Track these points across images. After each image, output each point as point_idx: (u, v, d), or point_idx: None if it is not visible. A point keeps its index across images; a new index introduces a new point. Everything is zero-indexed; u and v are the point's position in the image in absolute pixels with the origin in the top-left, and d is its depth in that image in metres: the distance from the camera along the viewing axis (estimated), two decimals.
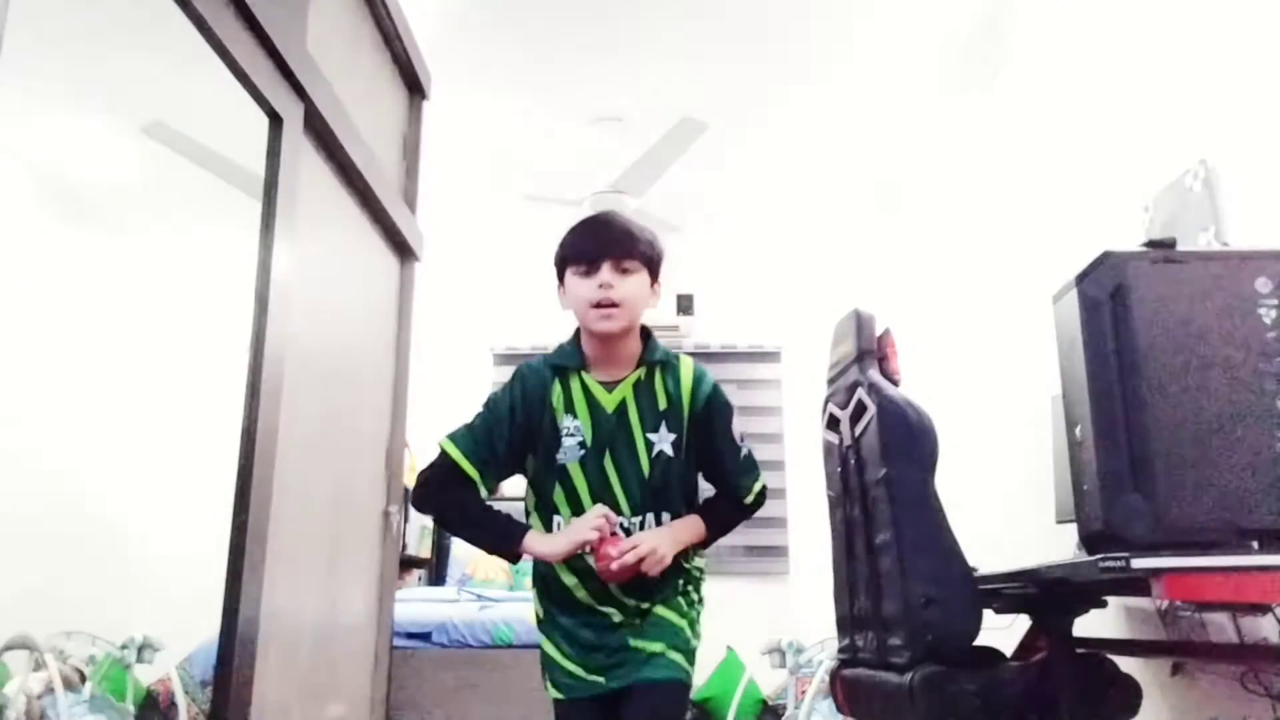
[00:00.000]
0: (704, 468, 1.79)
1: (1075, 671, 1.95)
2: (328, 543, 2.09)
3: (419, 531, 5.44)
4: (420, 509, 1.76)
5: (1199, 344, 1.56)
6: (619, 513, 1.66)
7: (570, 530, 1.65)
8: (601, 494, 1.68)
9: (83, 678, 3.40)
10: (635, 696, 1.65)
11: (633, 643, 1.68)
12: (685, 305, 5.85)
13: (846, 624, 2.28)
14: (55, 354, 2.67)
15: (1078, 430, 1.64)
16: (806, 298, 6.05)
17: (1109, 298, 1.59)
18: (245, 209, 1.81)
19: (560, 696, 1.73)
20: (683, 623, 1.73)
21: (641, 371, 1.73)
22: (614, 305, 1.65)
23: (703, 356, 6.00)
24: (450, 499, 1.72)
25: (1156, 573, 1.41)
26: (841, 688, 2.31)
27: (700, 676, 5.24)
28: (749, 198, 5.10)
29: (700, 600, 1.80)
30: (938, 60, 3.78)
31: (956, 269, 4.15)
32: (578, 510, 1.68)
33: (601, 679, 1.68)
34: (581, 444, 1.69)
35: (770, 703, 5.05)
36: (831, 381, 2.36)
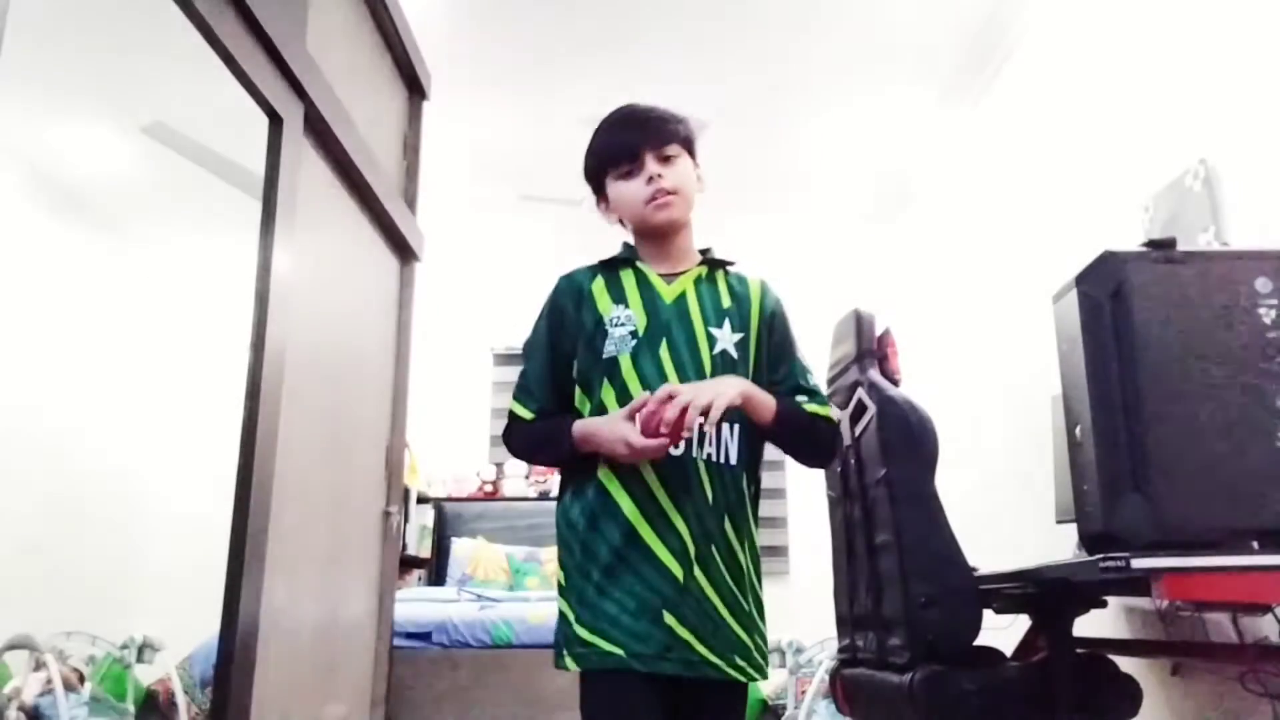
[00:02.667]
0: (770, 378, 1.58)
1: (1075, 671, 1.95)
2: (328, 543, 2.09)
3: (419, 531, 5.44)
4: (517, 457, 1.62)
5: (1199, 344, 1.56)
6: None
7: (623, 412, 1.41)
8: (655, 387, 1.42)
9: (82, 678, 3.40)
10: (714, 699, 1.43)
11: (729, 620, 1.45)
12: None
13: (846, 624, 2.28)
14: (55, 354, 2.67)
15: (1078, 430, 1.63)
16: (806, 297, 6.05)
17: (1109, 298, 1.59)
18: (245, 209, 1.81)
19: (600, 664, 1.39)
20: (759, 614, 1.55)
21: (704, 269, 1.62)
22: (671, 193, 1.57)
23: None
24: (524, 444, 1.57)
25: (1156, 573, 1.41)
26: (841, 688, 2.31)
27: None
28: (749, 198, 5.10)
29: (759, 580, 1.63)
30: (938, 59, 3.78)
31: (956, 269, 4.15)
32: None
33: (693, 638, 1.40)
34: (633, 333, 1.51)
35: (770, 703, 5.04)
36: (831, 381, 2.36)
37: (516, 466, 5.66)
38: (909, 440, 2.04)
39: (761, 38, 3.65)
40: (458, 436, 5.84)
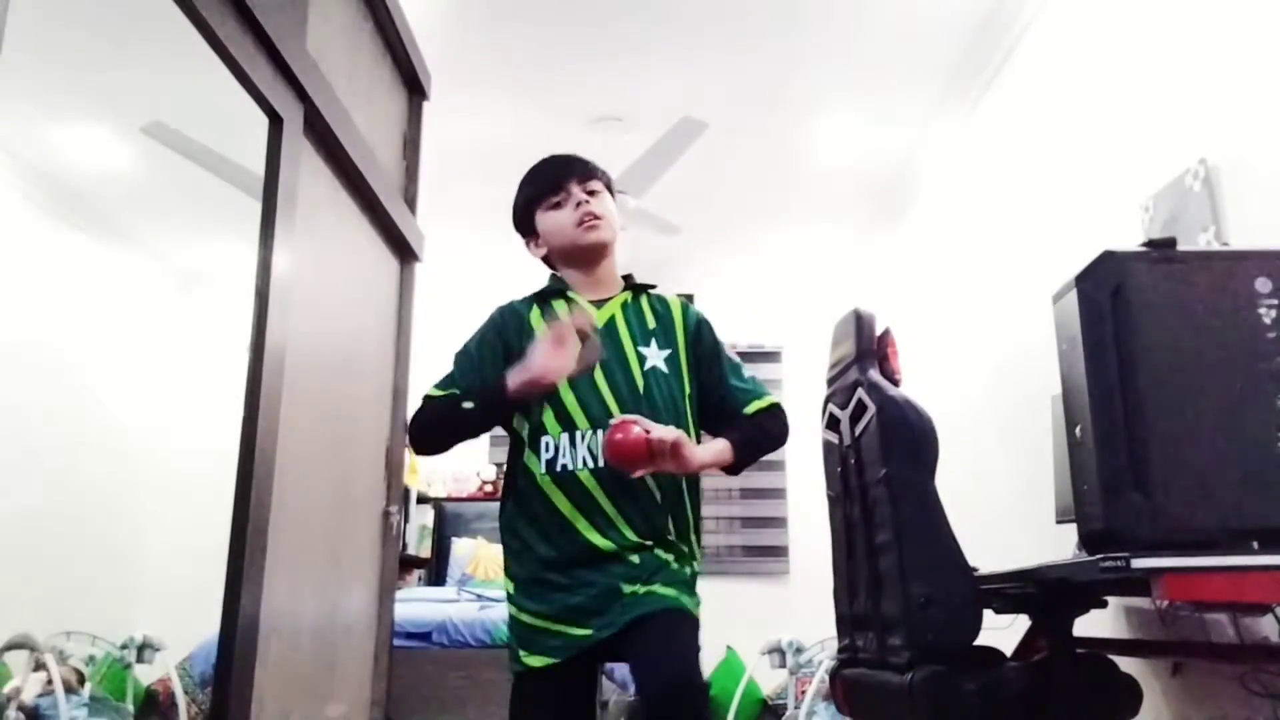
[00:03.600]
0: (710, 394, 1.70)
1: (1075, 671, 1.95)
2: (328, 543, 2.09)
3: (419, 531, 5.44)
4: (418, 448, 1.77)
5: (1199, 344, 1.56)
6: (608, 428, 1.53)
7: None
8: (594, 409, 1.57)
9: (82, 679, 3.40)
10: (637, 628, 1.48)
11: (626, 587, 1.51)
12: None
13: (846, 624, 2.29)
14: (54, 354, 2.67)
15: (1078, 430, 1.64)
16: (806, 298, 6.06)
17: (1109, 298, 1.59)
18: (245, 209, 1.81)
19: (522, 667, 1.56)
20: (685, 572, 1.60)
21: (628, 294, 1.75)
22: (597, 215, 1.70)
23: None
24: (430, 421, 1.71)
25: (1156, 573, 1.42)
26: (841, 688, 2.31)
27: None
28: (749, 198, 5.09)
29: (698, 559, 1.68)
30: (938, 59, 3.78)
31: (956, 268, 4.15)
32: (570, 429, 1.57)
33: (584, 631, 1.51)
34: None
35: (770, 703, 5.05)
36: (831, 381, 2.36)
37: None
38: (909, 440, 2.04)
39: (761, 38, 3.65)
40: None
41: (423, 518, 5.50)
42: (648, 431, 1.49)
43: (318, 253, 2.02)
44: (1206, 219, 2.24)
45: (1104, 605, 2.19)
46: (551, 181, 1.73)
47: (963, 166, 4.07)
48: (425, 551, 5.41)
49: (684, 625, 1.52)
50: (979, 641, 1.94)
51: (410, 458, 5.18)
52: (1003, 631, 2.17)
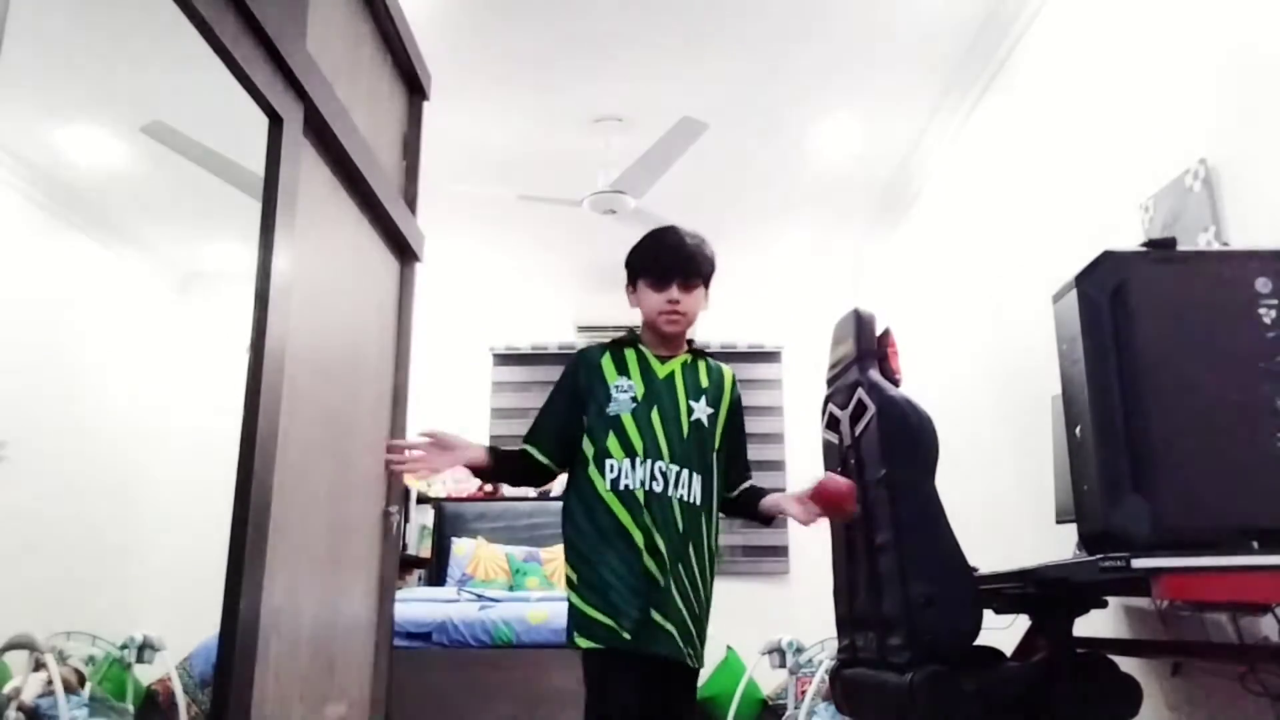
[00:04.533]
0: (725, 452, 2.07)
1: (1075, 671, 1.95)
2: (328, 543, 2.09)
3: (419, 531, 5.44)
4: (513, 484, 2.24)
5: (1199, 344, 1.56)
6: (660, 458, 1.93)
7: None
8: (650, 440, 1.95)
9: (82, 680, 3.40)
10: (675, 676, 1.94)
11: (689, 618, 1.92)
12: None
13: (846, 624, 2.29)
14: (53, 354, 2.67)
15: (1078, 430, 1.64)
16: (806, 298, 6.06)
17: (1109, 298, 1.59)
18: (245, 209, 1.81)
19: (600, 645, 1.86)
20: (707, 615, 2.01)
21: (689, 357, 2.11)
22: (682, 314, 2.02)
23: None
24: (521, 468, 2.07)
25: (1156, 573, 1.42)
26: (841, 688, 2.31)
27: (700, 676, 5.24)
28: (749, 198, 5.10)
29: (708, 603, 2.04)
30: (938, 60, 3.78)
31: (956, 269, 4.15)
32: (630, 454, 1.93)
33: (673, 630, 1.88)
34: (633, 398, 1.99)
35: (770, 703, 5.04)
36: (831, 381, 2.36)
37: None
38: (909, 440, 2.04)
39: (761, 38, 3.65)
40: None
41: (423, 518, 5.50)
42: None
43: (318, 253, 2.02)
44: (1206, 219, 2.24)
45: (1104, 605, 2.19)
46: (661, 270, 2.02)
47: (963, 166, 4.07)
48: (425, 551, 5.41)
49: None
50: (979, 641, 1.94)
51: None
52: (1003, 631, 2.17)
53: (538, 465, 2.01)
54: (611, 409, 1.97)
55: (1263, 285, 1.57)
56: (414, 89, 2.79)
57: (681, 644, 1.88)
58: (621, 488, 1.92)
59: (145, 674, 4.04)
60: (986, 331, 3.77)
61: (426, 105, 2.85)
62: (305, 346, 1.91)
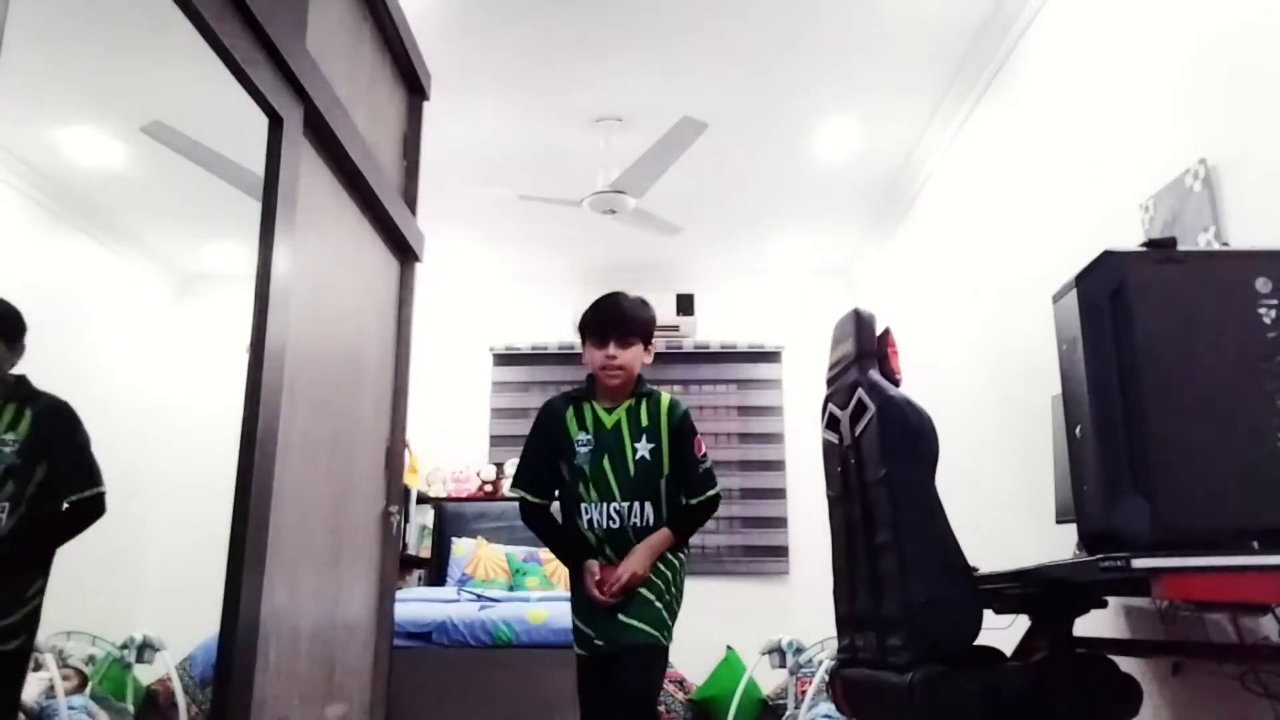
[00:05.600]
0: (673, 473, 2.40)
1: (1075, 671, 1.95)
2: (328, 543, 2.09)
3: (419, 531, 5.44)
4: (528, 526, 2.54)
5: (1199, 344, 1.56)
6: (614, 500, 2.35)
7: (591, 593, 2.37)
8: (601, 484, 2.37)
9: (85, 681, 3.40)
10: (620, 660, 2.27)
11: (620, 617, 2.29)
12: (685, 305, 5.85)
13: (846, 624, 2.29)
14: (53, 353, 2.66)
15: (1078, 430, 1.64)
16: (806, 298, 6.06)
17: (1109, 298, 1.59)
18: (245, 209, 1.81)
19: (581, 653, 2.38)
20: (658, 603, 2.31)
21: (632, 401, 2.44)
22: (619, 368, 2.38)
23: (703, 356, 6.00)
24: (535, 518, 2.50)
25: (1156, 573, 1.41)
26: (841, 688, 2.31)
27: (700, 676, 5.24)
28: (749, 198, 5.10)
29: (678, 580, 2.39)
30: (938, 60, 3.78)
31: (956, 269, 4.15)
32: (589, 496, 2.38)
33: (601, 642, 2.31)
34: (590, 450, 2.40)
35: (770, 703, 5.05)
36: (831, 381, 2.36)
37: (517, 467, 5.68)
38: (909, 440, 2.04)
39: (762, 38, 3.65)
40: (458, 436, 5.84)
41: (423, 518, 5.50)
42: (608, 582, 2.30)
43: (318, 253, 2.02)
44: (1206, 219, 2.24)
45: (1104, 605, 2.19)
46: (600, 332, 2.41)
47: (963, 166, 4.07)
48: (425, 551, 5.41)
49: (658, 661, 2.33)
50: (979, 641, 1.93)
51: (410, 457, 5.18)
52: (1003, 631, 2.17)
53: (533, 505, 2.47)
54: (577, 461, 2.40)
55: (1263, 285, 1.57)
56: (414, 89, 2.79)
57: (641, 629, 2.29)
58: (586, 527, 2.38)
59: (145, 674, 4.04)
60: (986, 332, 3.76)
61: (426, 105, 2.85)
62: (305, 346, 1.91)
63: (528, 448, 2.51)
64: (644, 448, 2.39)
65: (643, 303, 2.48)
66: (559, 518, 2.52)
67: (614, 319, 2.41)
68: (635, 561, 2.30)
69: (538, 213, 4.88)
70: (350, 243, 2.28)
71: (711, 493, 2.41)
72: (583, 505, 2.39)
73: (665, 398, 2.47)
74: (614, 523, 2.35)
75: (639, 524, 2.35)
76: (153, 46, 1.92)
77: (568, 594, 2.48)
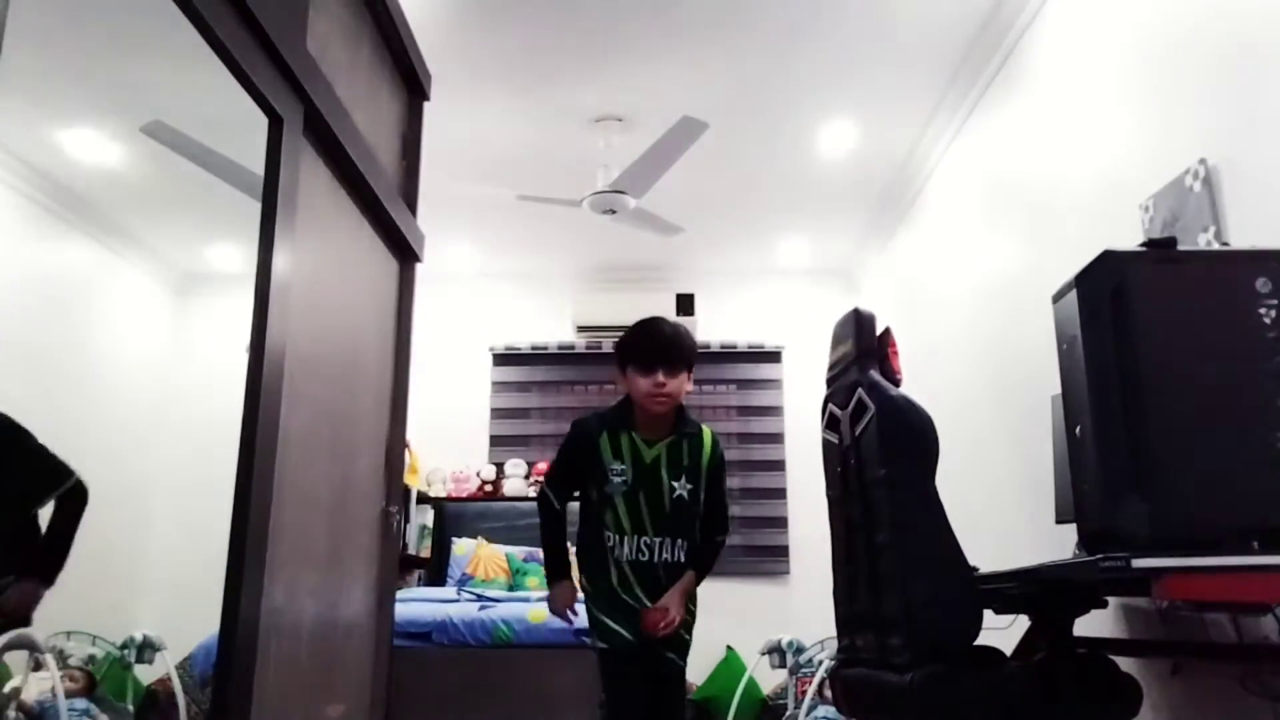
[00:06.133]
0: (705, 508, 2.45)
1: (1075, 671, 1.95)
2: (328, 542, 2.09)
3: (419, 531, 5.44)
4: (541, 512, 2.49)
5: (1199, 344, 1.56)
6: (645, 534, 2.36)
7: (554, 605, 2.47)
8: (636, 519, 2.37)
9: (92, 683, 3.40)
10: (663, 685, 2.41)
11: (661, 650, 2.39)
12: (685, 305, 5.85)
13: (846, 624, 2.28)
14: (53, 354, 2.67)
15: (1078, 430, 1.63)
16: (807, 298, 6.06)
17: (1109, 298, 1.59)
18: (245, 209, 1.81)
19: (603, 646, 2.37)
20: (687, 636, 2.45)
21: (674, 437, 2.42)
22: (667, 396, 2.35)
23: (703, 356, 6.00)
24: (550, 520, 2.46)
25: (1156, 573, 1.41)
26: (841, 688, 2.31)
27: (700, 676, 5.24)
28: (749, 198, 5.09)
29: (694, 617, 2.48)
30: (938, 60, 3.78)
31: (956, 269, 4.15)
32: (619, 528, 2.37)
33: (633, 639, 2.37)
34: (625, 481, 2.37)
35: (770, 703, 5.05)
36: (831, 381, 2.36)
37: (517, 467, 5.68)
38: (909, 440, 2.04)
39: (762, 38, 3.65)
40: (458, 436, 5.84)
41: (423, 518, 5.50)
42: (656, 625, 2.34)
43: (318, 253, 2.02)
44: (1206, 219, 2.24)
45: (1104, 605, 2.19)
46: (647, 359, 2.35)
47: (962, 167, 4.07)
48: (425, 551, 5.41)
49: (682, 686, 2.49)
50: (979, 641, 1.93)
51: (410, 457, 5.18)
52: (1003, 631, 2.17)
53: (554, 510, 2.47)
54: (608, 489, 2.37)
55: (1263, 285, 1.57)
56: (414, 89, 2.79)
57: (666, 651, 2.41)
58: (615, 556, 2.37)
59: (145, 674, 4.04)
60: (986, 331, 3.76)
61: (426, 105, 2.85)
62: (305, 346, 1.91)
63: (560, 457, 2.49)
64: (682, 488, 2.39)
65: (686, 330, 2.45)
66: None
67: (663, 347, 2.36)
68: (676, 607, 2.36)
69: (537, 213, 4.88)
70: (350, 243, 2.28)
71: (728, 529, 2.53)
72: (609, 534, 2.38)
73: (708, 436, 2.47)
74: (643, 556, 2.36)
75: (669, 559, 2.38)
76: (153, 46, 1.92)
77: None
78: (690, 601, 2.43)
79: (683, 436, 2.43)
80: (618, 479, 2.36)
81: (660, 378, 2.33)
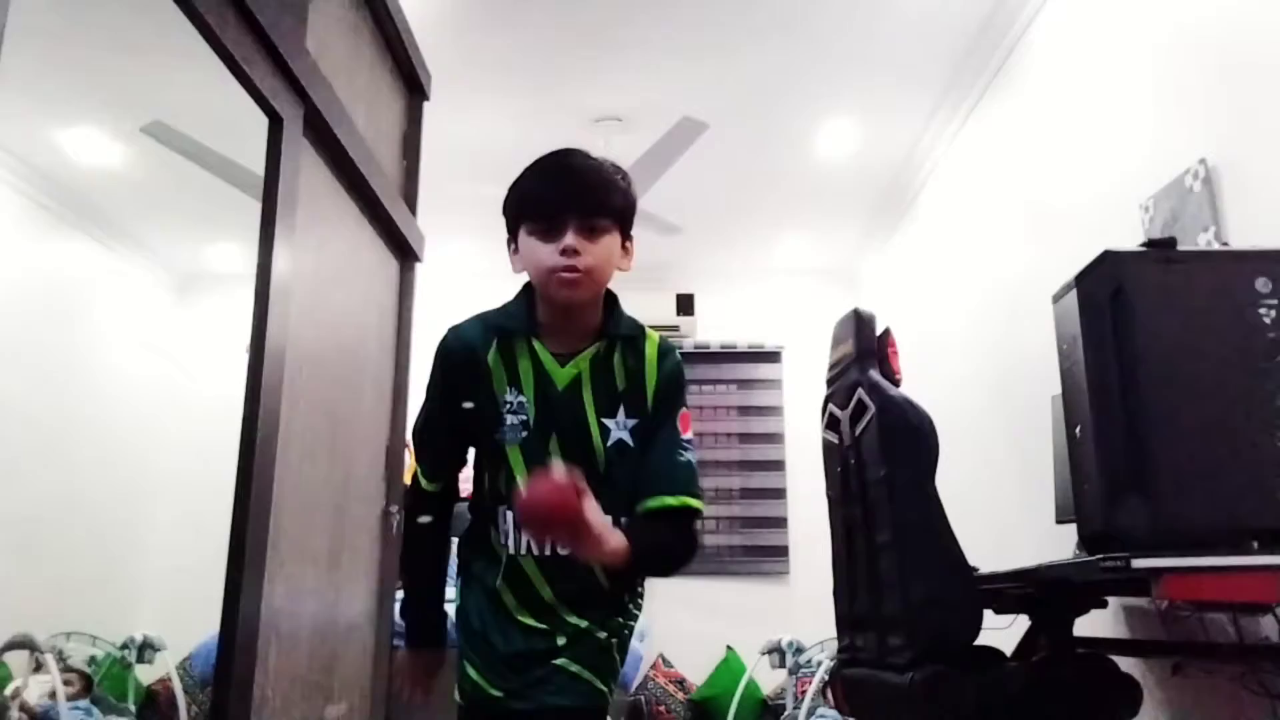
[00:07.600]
0: (651, 459, 1.42)
1: (1075, 671, 1.95)
2: (328, 542, 2.09)
3: None
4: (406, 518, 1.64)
5: (1199, 344, 1.56)
6: None
7: (401, 676, 1.61)
8: None
9: (90, 684, 3.40)
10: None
11: (558, 661, 1.40)
12: (685, 305, 5.85)
13: (846, 624, 2.29)
14: (54, 354, 2.67)
15: (1078, 430, 1.64)
16: (806, 298, 6.06)
17: (1109, 298, 1.59)
18: (245, 209, 1.81)
19: (463, 704, 1.48)
20: (612, 642, 1.44)
21: (601, 345, 1.44)
22: (581, 271, 1.36)
23: (703, 356, 6.00)
24: (419, 531, 1.66)
25: (1156, 573, 1.41)
26: (841, 688, 2.31)
27: (700, 676, 5.24)
28: (749, 198, 5.09)
29: (625, 643, 1.49)
30: (938, 60, 3.78)
31: (957, 269, 4.15)
32: (515, 500, 1.35)
33: (502, 695, 1.41)
34: (525, 423, 1.40)
35: (770, 703, 5.05)
36: (831, 381, 2.36)
37: None
38: (909, 440, 2.04)
39: (762, 39, 3.65)
40: None
41: (423, 517, 5.49)
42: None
43: (318, 253, 2.02)
44: (1206, 219, 2.24)
45: (1104, 605, 2.19)
46: (546, 206, 1.39)
47: (963, 167, 4.07)
48: None
49: None
50: (979, 641, 1.94)
51: (410, 458, 5.18)
52: (1003, 631, 2.17)
53: (422, 493, 1.60)
54: (499, 437, 1.41)
55: (1263, 285, 1.57)
56: (414, 89, 2.79)
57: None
58: (507, 546, 1.45)
59: (145, 674, 4.04)
60: (986, 331, 3.76)
61: (426, 105, 2.85)
62: (305, 346, 1.91)
63: (428, 400, 1.50)
64: (620, 427, 1.42)
65: (615, 167, 1.48)
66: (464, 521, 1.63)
67: (574, 185, 1.41)
68: (595, 509, 1.23)
69: None
70: (350, 243, 2.28)
71: (691, 501, 1.40)
72: (503, 510, 1.45)
73: (653, 339, 1.49)
74: (555, 547, 1.40)
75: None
76: (153, 47, 1.92)
77: None
78: (631, 602, 1.48)
79: (614, 341, 1.45)
80: (514, 416, 1.40)
81: (570, 239, 1.36)
